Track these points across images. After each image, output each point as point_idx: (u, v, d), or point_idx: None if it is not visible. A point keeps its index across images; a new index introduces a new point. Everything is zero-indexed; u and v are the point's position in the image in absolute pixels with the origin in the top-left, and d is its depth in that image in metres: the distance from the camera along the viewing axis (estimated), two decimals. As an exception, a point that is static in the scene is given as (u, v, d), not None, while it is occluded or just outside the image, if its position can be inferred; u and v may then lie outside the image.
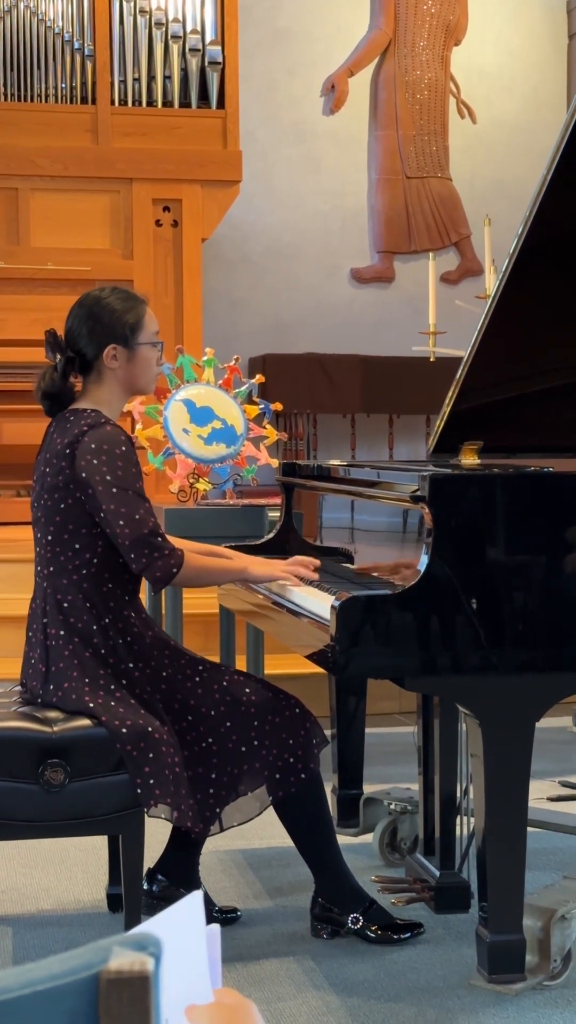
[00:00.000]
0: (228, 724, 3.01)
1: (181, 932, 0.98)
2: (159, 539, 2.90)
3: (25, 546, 4.43)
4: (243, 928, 3.21)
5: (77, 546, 2.97)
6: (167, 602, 4.57)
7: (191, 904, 1.00)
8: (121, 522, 2.88)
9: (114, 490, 2.89)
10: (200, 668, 3.06)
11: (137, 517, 2.88)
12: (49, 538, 2.99)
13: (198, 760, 2.98)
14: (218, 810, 3.01)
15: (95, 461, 2.90)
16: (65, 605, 2.97)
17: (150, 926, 0.94)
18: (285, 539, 3.82)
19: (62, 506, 2.96)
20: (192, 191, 7.52)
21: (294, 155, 8.55)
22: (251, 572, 3.14)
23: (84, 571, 2.97)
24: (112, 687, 2.93)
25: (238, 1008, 0.95)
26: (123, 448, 2.93)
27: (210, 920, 1.13)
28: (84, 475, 2.91)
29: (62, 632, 2.97)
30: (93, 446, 2.91)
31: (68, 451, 2.94)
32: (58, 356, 3.04)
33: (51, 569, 3.00)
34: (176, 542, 3.17)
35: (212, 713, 3.01)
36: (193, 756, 2.98)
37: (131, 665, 2.97)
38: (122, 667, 2.96)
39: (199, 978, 1.00)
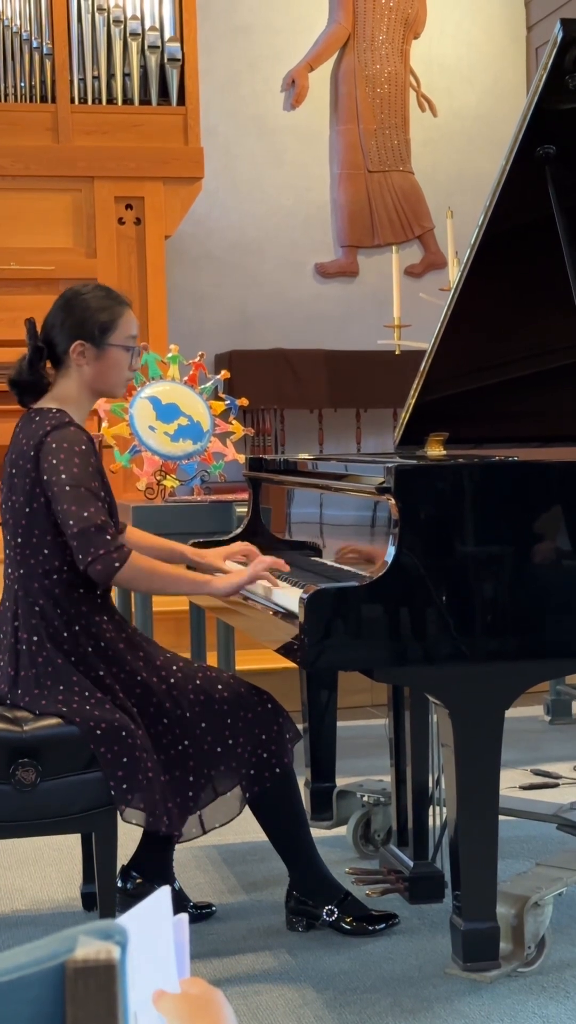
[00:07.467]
0: (203, 725, 3.00)
1: (149, 926, 0.98)
2: (105, 536, 2.86)
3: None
4: (218, 923, 3.21)
5: (46, 551, 2.96)
6: (136, 601, 4.56)
7: (159, 899, 1.00)
8: (71, 520, 2.87)
9: (67, 488, 2.88)
10: (174, 668, 3.05)
11: (86, 514, 2.86)
12: (19, 540, 2.98)
13: (175, 763, 2.98)
14: (198, 812, 3.01)
15: (54, 461, 2.90)
16: (37, 608, 2.96)
17: (119, 922, 0.94)
18: (253, 534, 3.82)
19: (27, 510, 2.95)
20: (154, 188, 7.50)
21: (256, 150, 8.54)
22: (215, 586, 3.04)
23: (55, 576, 2.96)
24: (87, 693, 2.91)
25: (205, 997, 0.95)
26: (83, 447, 2.93)
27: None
28: (45, 477, 2.91)
29: (35, 637, 2.95)
30: (55, 446, 2.91)
31: (33, 453, 2.93)
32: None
33: (21, 572, 2.99)
34: (135, 534, 3.20)
35: (187, 715, 3.00)
36: (170, 760, 2.97)
37: (102, 672, 2.96)
38: (93, 674, 2.95)
39: (168, 972, 1.00)
